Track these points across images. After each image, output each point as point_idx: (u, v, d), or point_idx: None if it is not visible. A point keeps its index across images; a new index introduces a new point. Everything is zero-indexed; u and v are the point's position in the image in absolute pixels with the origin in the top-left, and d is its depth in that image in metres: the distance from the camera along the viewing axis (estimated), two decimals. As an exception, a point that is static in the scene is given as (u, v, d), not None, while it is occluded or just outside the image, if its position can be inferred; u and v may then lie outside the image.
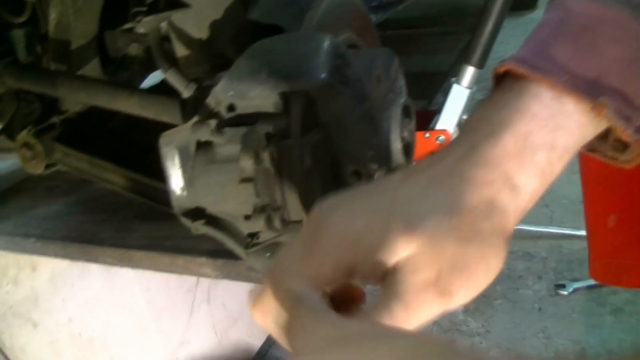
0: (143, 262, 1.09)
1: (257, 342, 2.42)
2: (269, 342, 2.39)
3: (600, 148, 0.50)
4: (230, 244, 0.74)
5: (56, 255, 1.23)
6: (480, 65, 1.42)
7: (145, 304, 1.90)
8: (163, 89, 0.93)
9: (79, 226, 1.22)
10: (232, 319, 2.28)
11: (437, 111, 1.45)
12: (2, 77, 0.98)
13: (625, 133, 0.43)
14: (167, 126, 0.84)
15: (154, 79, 1.33)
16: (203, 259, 1.01)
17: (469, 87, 1.44)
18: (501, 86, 0.45)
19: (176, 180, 0.74)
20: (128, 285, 1.84)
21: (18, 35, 1.01)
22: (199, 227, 0.75)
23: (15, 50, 1.02)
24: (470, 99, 1.46)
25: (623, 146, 0.49)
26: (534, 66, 0.43)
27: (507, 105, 0.43)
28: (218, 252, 0.98)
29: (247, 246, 0.73)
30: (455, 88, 1.43)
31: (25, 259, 1.51)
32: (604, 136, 0.47)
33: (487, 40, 1.40)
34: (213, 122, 0.67)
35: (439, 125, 1.43)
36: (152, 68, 1.25)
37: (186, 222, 0.76)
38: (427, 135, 1.40)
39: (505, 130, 0.42)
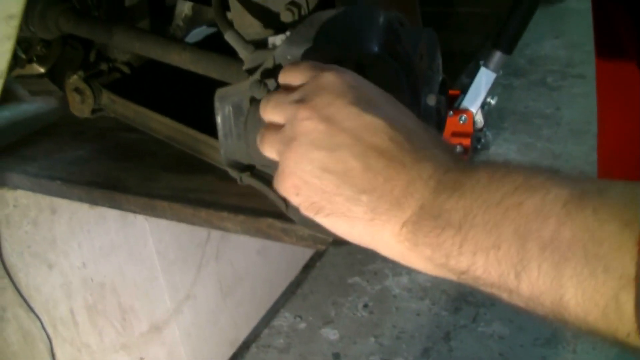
0: (166, 212, 1.08)
1: (261, 302, 2.44)
2: (279, 303, 2.42)
3: None
4: (272, 196, 0.78)
5: (80, 199, 1.21)
6: (508, 51, 1.45)
7: (156, 254, 1.91)
8: (206, 46, 0.94)
9: (105, 172, 1.20)
10: (238, 277, 2.30)
11: (462, 91, 1.49)
12: (57, 22, 1.01)
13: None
14: (210, 80, 0.87)
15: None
16: (225, 214, 1.00)
17: (496, 71, 1.47)
18: None
19: (227, 133, 0.79)
20: (142, 235, 1.85)
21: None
22: (245, 179, 0.79)
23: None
24: (495, 82, 1.50)
25: None
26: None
27: None
28: (240, 208, 0.99)
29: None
30: (482, 70, 1.46)
31: (45, 201, 1.51)
32: None
33: (518, 27, 1.43)
34: (269, 82, 0.72)
35: (462, 105, 1.47)
36: (195, 24, 1.27)
37: (233, 173, 0.80)
38: (451, 113, 1.44)
39: None
